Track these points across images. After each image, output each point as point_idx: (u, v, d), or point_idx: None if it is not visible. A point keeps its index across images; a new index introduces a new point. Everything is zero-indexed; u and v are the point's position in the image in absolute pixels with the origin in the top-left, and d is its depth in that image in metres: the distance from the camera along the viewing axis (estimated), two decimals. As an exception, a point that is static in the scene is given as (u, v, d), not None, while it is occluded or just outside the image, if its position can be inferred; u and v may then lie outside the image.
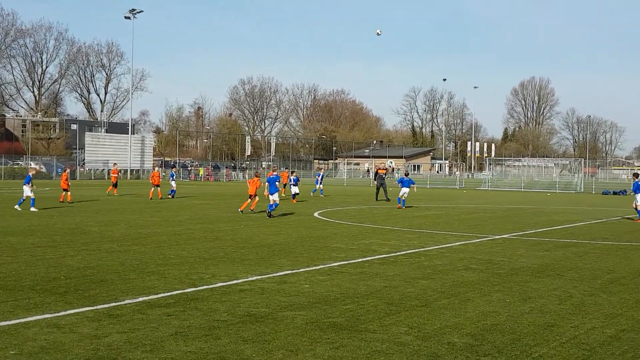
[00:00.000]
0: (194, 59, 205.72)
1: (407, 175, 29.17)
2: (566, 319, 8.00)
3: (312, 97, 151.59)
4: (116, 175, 37.61)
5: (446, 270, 11.51)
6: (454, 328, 7.43)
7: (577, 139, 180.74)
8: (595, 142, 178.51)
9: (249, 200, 24.15)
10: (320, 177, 40.13)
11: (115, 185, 36.91)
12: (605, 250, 14.88)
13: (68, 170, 33.40)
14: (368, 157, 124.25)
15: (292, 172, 36.16)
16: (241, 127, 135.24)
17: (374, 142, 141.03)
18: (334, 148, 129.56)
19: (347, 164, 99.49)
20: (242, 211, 24.04)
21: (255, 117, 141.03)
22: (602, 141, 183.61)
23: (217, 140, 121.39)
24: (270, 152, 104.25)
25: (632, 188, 24.76)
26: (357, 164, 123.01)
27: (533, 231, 19.14)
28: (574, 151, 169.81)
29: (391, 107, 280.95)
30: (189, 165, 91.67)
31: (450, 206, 30.93)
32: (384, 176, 35.25)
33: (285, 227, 19.11)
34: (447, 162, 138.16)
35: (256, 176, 24.52)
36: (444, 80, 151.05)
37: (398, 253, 13.66)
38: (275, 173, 23.88)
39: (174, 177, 35.42)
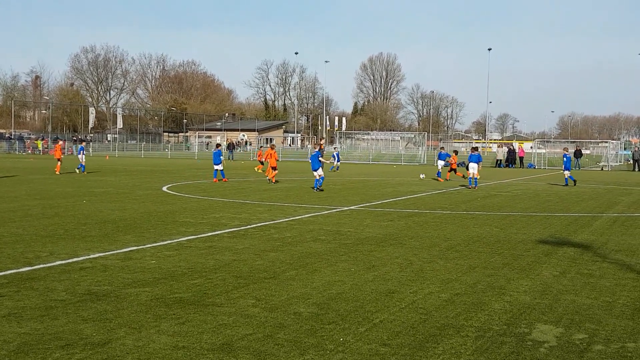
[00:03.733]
0: (31, 23, 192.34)
1: (475, 150, 27.77)
2: (406, 285, 8.44)
3: (161, 67, 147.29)
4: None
5: (295, 242, 11.73)
6: (300, 298, 7.61)
7: (421, 114, 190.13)
8: (438, 116, 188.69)
9: (274, 171, 27.17)
10: (337, 154, 41.52)
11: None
12: (444, 219, 15.83)
13: None
14: (220, 130, 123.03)
15: (335, 148, 37.81)
16: (84, 97, 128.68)
17: (226, 114, 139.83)
18: (185, 121, 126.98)
19: (198, 137, 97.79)
20: (270, 179, 27.22)
21: (100, 88, 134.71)
22: (444, 115, 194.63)
23: (58, 112, 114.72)
24: (117, 124, 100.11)
25: (468, 159, 27.78)
26: (209, 137, 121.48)
27: (379, 202, 19.95)
28: (419, 125, 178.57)
29: (243, 79, 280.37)
30: (25, 138, 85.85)
31: (302, 179, 31.44)
32: (323, 151, 34.23)
33: (131, 202, 18.54)
34: (299, 135, 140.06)
35: (271, 148, 27.85)
36: (296, 53, 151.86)
37: (248, 226, 13.71)
38: (317, 149, 25.33)
39: (83, 151, 33.64)
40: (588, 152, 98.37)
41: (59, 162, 32.68)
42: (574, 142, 78.11)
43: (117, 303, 7.21)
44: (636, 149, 61.59)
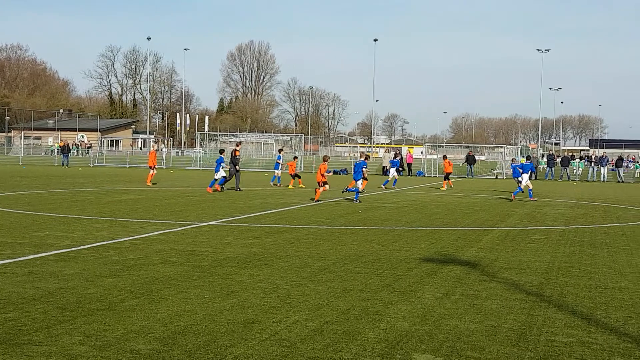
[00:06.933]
0: None
1: (529, 159, 30.18)
2: (269, 313, 8.49)
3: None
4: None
5: (139, 265, 11.50)
6: (140, 333, 7.47)
7: (299, 113, 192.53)
8: (318, 116, 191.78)
9: (326, 187, 26.46)
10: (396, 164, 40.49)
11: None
12: (319, 235, 16.08)
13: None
14: (53, 129, 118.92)
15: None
16: None
17: (61, 111, 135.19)
18: (7, 118, 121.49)
19: (24, 138, 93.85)
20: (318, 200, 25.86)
21: None
22: (325, 115, 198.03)
23: None
24: None
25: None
26: (39, 137, 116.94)
27: (245, 216, 19.96)
28: (296, 126, 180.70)
29: (83, 69, 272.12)
30: None
31: (153, 189, 30.92)
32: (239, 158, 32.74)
33: None
34: (152, 136, 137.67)
35: (324, 160, 27.39)
36: (149, 39, 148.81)
37: (81, 247, 13.30)
38: (362, 159, 28.61)
39: (223, 162, 31.90)
40: (483, 158, 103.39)
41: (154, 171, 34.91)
42: (468, 146, 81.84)
43: None
44: (534, 155, 65.51)
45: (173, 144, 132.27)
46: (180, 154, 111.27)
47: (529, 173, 29.54)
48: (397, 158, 43.85)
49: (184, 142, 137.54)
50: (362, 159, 28.50)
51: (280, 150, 38.45)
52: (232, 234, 15.98)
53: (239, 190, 30.30)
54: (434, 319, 8.38)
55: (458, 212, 22.91)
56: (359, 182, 26.91)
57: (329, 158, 30.14)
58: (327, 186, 26.45)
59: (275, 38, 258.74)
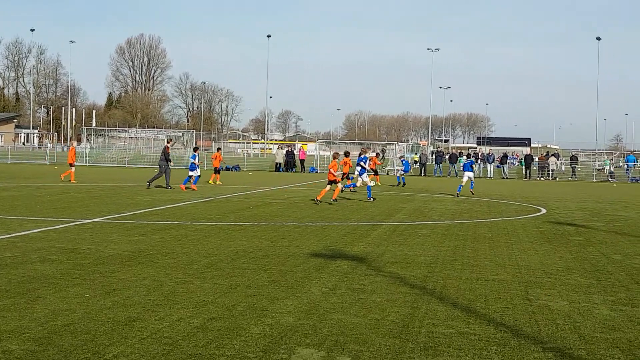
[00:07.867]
0: None
1: (469, 157, 31.29)
2: (152, 311, 8.34)
3: None
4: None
5: (16, 264, 11.10)
6: (13, 333, 7.21)
7: (191, 108, 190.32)
8: (210, 112, 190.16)
9: (329, 187, 24.89)
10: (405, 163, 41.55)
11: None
12: (207, 232, 15.94)
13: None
14: None
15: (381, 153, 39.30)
16: None
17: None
18: None
19: None
20: (319, 200, 24.30)
21: None
22: (218, 111, 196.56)
23: None
24: None
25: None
26: None
27: (131, 213, 19.57)
28: (188, 122, 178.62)
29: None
30: None
31: (35, 185, 29.93)
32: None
33: None
34: (36, 131, 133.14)
35: (334, 158, 25.45)
36: (32, 30, 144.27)
37: (-46, 245, 12.73)
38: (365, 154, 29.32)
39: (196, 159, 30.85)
40: (374, 154, 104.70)
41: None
42: (361, 143, 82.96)
43: None
44: (423, 152, 67.13)
45: (58, 139, 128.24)
46: (65, 149, 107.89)
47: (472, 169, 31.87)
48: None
49: (70, 138, 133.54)
50: (363, 155, 29.59)
51: (195, 150, 34.20)
52: (116, 231, 15.64)
53: (169, 187, 29.66)
54: (319, 314, 8.45)
55: (348, 208, 23.20)
56: (365, 177, 27.53)
57: (339, 155, 28.75)
58: (340, 185, 25.12)
59: (166, 32, 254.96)
